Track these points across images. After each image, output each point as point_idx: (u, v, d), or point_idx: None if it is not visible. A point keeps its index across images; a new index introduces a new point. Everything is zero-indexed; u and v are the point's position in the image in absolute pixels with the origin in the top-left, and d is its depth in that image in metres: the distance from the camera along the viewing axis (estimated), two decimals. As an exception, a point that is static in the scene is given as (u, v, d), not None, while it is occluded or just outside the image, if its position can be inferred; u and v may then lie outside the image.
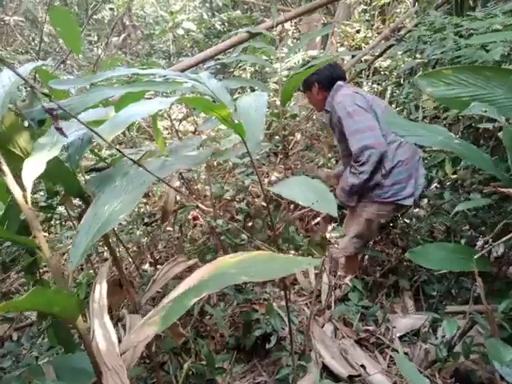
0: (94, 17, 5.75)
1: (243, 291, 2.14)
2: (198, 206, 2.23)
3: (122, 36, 5.51)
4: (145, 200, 3.15)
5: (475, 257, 1.23)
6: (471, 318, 1.47)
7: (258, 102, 1.08)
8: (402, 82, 3.51)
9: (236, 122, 0.91)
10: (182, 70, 2.25)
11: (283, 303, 2.15)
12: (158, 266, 2.49)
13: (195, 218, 2.85)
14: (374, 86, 4.92)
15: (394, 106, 3.28)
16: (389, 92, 3.46)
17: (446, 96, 1.35)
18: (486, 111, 1.12)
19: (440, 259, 1.34)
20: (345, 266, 2.43)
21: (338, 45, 5.79)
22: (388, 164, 2.01)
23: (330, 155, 3.67)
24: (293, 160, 3.80)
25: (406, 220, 2.56)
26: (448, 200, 2.08)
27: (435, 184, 2.44)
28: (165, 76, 1.01)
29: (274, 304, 2.02)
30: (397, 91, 3.38)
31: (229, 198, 2.32)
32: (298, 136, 3.99)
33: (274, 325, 1.82)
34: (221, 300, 2.19)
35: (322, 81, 2.17)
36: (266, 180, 3.49)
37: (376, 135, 1.92)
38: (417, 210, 2.58)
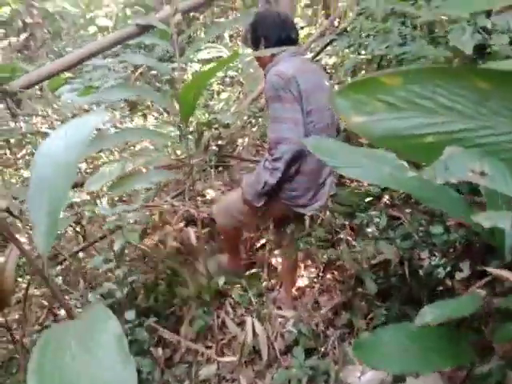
0: None
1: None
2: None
3: (23, 36, 4.74)
4: None
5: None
6: None
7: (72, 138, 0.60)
8: (348, 81, 3.16)
9: None
10: (65, 69, 1.72)
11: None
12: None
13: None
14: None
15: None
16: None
17: (388, 132, 0.79)
18: (483, 174, 0.67)
19: (401, 355, 0.93)
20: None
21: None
22: (297, 168, 1.85)
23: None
24: (238, 170, 3.36)
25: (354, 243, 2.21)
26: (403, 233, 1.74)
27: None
28: None
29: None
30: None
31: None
32: (242, 141, 3.53)
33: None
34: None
35: (269, 36, 1.86)
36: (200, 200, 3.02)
37: (298, 131, 1.74)
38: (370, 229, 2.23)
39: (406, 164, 0.98)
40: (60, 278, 2.33)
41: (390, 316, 1.89)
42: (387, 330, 0.97)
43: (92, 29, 4.30)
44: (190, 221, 2.91)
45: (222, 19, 6.31)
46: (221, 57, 4.85)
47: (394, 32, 2.60)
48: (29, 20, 4.65)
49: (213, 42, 5.67)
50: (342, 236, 2.38)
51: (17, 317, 2.32)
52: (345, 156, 1.04)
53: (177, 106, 1.67)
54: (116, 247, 1.58)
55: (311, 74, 1.88)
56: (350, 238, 2.34)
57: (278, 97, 1.74)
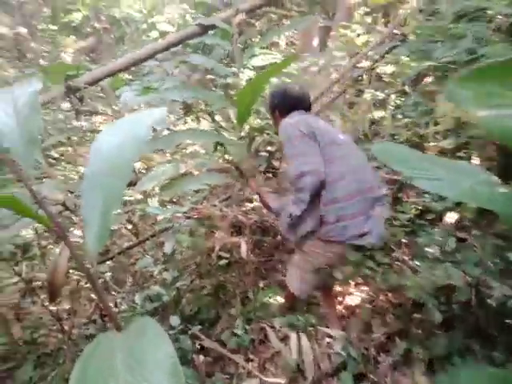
0: (63, 20, 5.31)
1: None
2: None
3: (91, 40, 5.01)
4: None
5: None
6: None
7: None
8: (407, 90, 2.97)
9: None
10: (127, 67, 1.74)
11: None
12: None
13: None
14: (378, 93, 4.42)
15: (399, 118, 2.75)
16: (391, 102, 2.91)
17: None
18: None
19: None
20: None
21: (334, 49, 5.33)
22: (328, 197, 1.81)
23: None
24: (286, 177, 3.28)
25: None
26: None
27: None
28: None
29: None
30: (399, 101, 2.83)
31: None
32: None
33: None
34: None
35: (281, 109, 2.04)
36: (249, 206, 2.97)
37: (314, 162, 1.78)
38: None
39: (495, 178, 0.84)
40: (109, 274, 2.37)
41: (451, 348, 1.70)
42: (466, 373, 0.82)
43: (154, 34, 4.46)
44: (238, 227, 2.88)
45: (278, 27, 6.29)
46: (275, 63, 4.81)
47: (466, 36, 2.39)
48: (97, 25, 4.95)
49: (266, 47, 5.65)
50: (397, 254, 2.21)
51: (67, 308, 2.39)
52: (417, 164, 0.92)
53: (231, 111, 1.64)
54: (166, 249, 1.55)
55: (325, 125, 1.98)
56: (406, 258, 2.17)
57: (288, 137, 1.84)
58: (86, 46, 5.00)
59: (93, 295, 2.42)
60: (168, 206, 2.02)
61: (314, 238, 1.88)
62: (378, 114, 4.25)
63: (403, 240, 2.26)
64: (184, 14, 5.29)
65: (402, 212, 2.58)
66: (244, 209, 1.79)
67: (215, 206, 2.54)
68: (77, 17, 5.02)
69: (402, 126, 2.58)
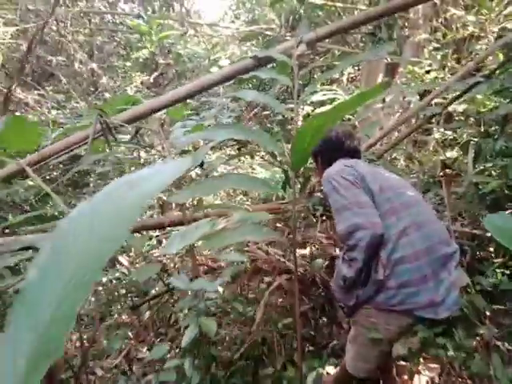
0: (133, 56, 5.70)
1: None
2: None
3: (154, 75, 5.25)
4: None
5: None
6: None
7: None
8: (492, 131, 2.59)
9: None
10: (175, 102, 1.64)
11: None
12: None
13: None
14: (448, 133, 4.03)
15: (482, 163, 2.36)
16: (473, 146, 2.54)
17: None
18: None
19: None
20: None
21: (404, 86, 5.03)
22: (388, 256, 1.49)
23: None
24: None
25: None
26: None
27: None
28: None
29: None
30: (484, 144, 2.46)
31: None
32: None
33: None
34: None
35: (325, 156, 1.86)
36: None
37: (367, 213, 1.50)
38: None
39: None
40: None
41: None
42: None
43: (215, 69, 4.55)
44: (285, 272, 2.61)
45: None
46: (335, 99, 4.64)
47: None
48: (161, 61, 5.21)
49: (328, 84, 5.52)
50: (479, 330, 1.80)
51: None
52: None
53: (286, 149, 1.45)
54: (184, 342, 1.27)
55: (379, 170, 1.76)
56: (492, 337, 1.75)
57: (333, 188, 1.60)
58: (148, 81, 5.27)
59: None
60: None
61: (370, 307, 1.55)
62: (449, 154, 3.84)
63: (487, 312, 1.84)
64: (248, 49, 5.39)
65: (485, 275, 2.16)
66: (293, 255, 1.55)
67: (260, 248, 2.32)
68: (144, 53, 5.35)
69: (487, 177, 2.20)
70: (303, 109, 6.31)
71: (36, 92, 4.73)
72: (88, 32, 6.76)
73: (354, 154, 1.84)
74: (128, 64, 6.67)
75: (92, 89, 5.96)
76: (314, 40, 1.49)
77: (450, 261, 1.52)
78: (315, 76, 5.79)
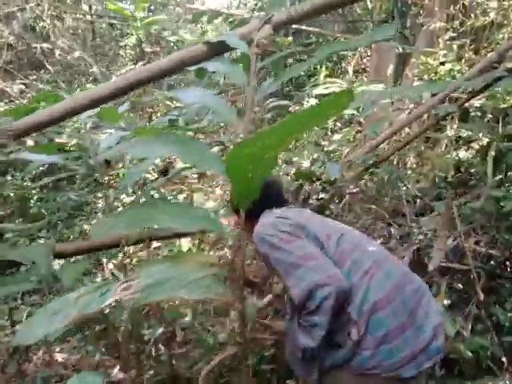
0: (121, 44, 5.43)
1: None
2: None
3: (140, 64, 4.93)
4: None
5: None
6: None
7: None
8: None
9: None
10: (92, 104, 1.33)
11: None
12: None
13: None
14: (463, 130, 3.68)
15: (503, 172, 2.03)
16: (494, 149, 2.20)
17: None
18: None
19: None
20: None
21: (415, 78, 4.65)
22: (358, 311, 1.23)
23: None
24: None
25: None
26: None
27: None
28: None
29: None
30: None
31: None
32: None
33: None
34: None
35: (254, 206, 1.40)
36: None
37: (322, 266, 1.25)
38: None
39: None
40: None
41: None
42: None
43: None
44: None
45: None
46: (310, 108, 4.29)
47: None
48: (147, 49, 4.91)
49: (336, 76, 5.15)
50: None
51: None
52: None
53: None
54: None
55: (312, 214, 1.57)
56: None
57: (272, 246, 1.34)
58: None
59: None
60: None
61: (343, 373, 1.27)
62: (462, 155, 3.50)
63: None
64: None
65: (502, 306, 1.84)
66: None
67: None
68: (132, 41, 5.07)
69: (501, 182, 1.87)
70: (308, 102, 5.96)
71: (19, 82, 4.49)
72: (85, 19, 6.50)
73: (283, 202, 1.60)
74: (121, 52, 6.43)
75: (84, 78, 5.73)
76: (285, 21, 1.18)
77: (422, 297, 1.29)
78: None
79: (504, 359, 1.59)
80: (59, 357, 2.29)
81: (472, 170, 3.03)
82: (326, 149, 3.81)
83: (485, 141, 2.70)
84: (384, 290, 1.24)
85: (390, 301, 1.22)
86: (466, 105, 3.59)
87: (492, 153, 2.11)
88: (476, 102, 3.67)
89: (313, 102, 5.40)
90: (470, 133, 3.65)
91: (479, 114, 3.81)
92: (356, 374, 1.23)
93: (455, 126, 3.67)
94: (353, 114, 4.76)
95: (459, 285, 2.08)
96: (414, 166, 3.86)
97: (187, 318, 1.98)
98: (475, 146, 3.44)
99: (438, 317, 1.28)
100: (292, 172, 2.22)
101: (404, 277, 1.30)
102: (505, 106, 3.18)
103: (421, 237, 2.59)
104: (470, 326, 1.87)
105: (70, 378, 0.79)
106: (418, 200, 2.98)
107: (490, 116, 3.37)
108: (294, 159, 3.80)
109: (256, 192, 0.86)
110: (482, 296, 1.66)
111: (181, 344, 2.08)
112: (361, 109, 4.25)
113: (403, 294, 1.25)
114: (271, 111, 3.86)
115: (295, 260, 1.27)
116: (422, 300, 1.28)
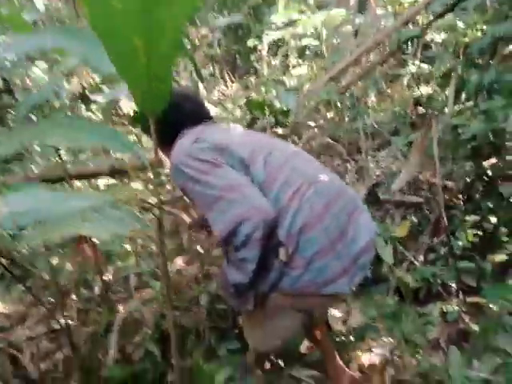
0: None
1: None
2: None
3: None
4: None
5: None
6: None
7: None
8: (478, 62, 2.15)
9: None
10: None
11: None
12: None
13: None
14: (425, 66, 3.57)
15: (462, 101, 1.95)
16: (454, 77, 2.09)
17: None
18: None
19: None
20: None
21: (379, 8, 4.40)
22: (287, 233, 1.16)
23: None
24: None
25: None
26: None
27: None
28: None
29: None
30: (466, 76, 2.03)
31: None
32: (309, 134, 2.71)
33: None
34: None
35: (160, 132, 1.16)
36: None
37: (247, 196, 1.15)
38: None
39: None
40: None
41: None
42: None
43: None
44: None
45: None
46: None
47: None
48: None
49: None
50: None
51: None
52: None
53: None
54: None
55: (242, 130, 1.44)
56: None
57: (189, 178, 1.21)
58: None
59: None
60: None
61: (278, 296, 1.24)
62: (424, 90, 3.43)
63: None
64: None
65: (454, 236, 1.86)
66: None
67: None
68: None
69: (468, 113, 1.80)
70: (268, 34, 5.56)
71: None
72: None
73: (202, 119, 1.41)
74: None
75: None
76: None
77: (355, 210, 1.24)
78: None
79: (453, 285, 1.63)
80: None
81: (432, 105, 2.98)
82: (288, 86, 3.59)
83: (446, 71, 2.61)
84: (315, 210, 1.16)
85: (321, 219, 1.16)
86: (428, 39, 3.47)
87: (453, 81, 2.02)
88: (438, 37, 3.56)
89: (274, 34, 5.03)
90: (431, 68, 3.55)
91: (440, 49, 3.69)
92: (293, 295, 1.19)
93: (417, 61, 3.55)
94: (309, 47, 4.51)
95: (413, 217, 2.08)
96: (375, 102, 3.76)
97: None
98: (436, 82, 3.37)
99: (371, 232, 1.24)
100: (243, 103, 2.01)
101: (336, 192, 1.23)
102: (466, 40, 3.07)
103: (378, 172, 2.55)
104: (422, 257, 1.90)
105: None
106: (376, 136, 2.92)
107: (451, 51, 3.27)
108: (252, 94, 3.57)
109: (163, 92, 0.67)
110: (445, 223, 1.64)
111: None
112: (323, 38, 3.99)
113: (335, 209, 1.19)
114: None
115: (216, 192, 1.16)
116: (354, 213, 1.23)
